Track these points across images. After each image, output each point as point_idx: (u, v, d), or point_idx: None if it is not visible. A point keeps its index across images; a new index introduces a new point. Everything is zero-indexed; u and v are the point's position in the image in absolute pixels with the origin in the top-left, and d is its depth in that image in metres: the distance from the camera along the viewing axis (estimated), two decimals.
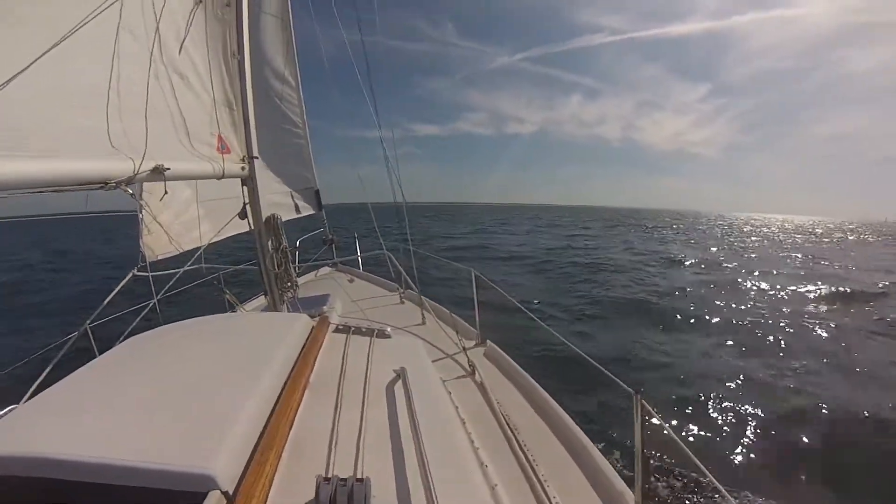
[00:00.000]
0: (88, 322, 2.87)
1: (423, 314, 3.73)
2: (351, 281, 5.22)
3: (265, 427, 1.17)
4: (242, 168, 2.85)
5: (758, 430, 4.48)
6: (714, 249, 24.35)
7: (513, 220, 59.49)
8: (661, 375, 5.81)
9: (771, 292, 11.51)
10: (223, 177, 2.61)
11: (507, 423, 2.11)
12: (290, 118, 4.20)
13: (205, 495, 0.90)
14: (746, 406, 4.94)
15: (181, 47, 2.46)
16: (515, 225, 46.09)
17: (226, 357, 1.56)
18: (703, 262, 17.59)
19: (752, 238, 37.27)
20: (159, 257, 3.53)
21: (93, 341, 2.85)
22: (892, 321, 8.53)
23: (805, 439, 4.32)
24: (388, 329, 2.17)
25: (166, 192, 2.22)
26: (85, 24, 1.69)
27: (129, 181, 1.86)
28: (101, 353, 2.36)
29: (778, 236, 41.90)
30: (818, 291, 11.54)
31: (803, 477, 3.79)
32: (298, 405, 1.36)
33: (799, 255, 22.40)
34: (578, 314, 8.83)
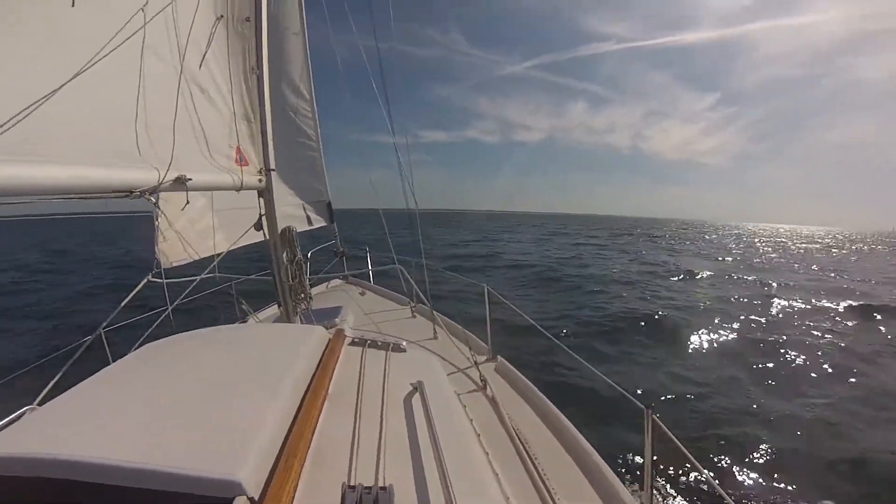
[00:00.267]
0: (102, 326, 2.90)
1: (434, 329, 3.75)
2: (362, 294, 5.24)
3: (287, 435, 1.19)
4: (260, 180, 2.89)
5: (783, 461, 4.22)
6: (729, 260, 24.14)
7: (518, 227, 59.36)
8: (678, 396, 5.55)
9: (794, 309, 11.19)
10: (242, 188, 2.66)
11: (519, 438, 2.12)
12: (305, 131, 4.27)
13: (230, 501, 0.91)
14: (771, 433, 4.65)
15: (202, 62, 2.52)
16: (521, 233, 46.10)
17: (244, 366, 1.57)
18: (716, 274, 17.33)
19: (764, 248, 36.91)
20: (174, 264, 3.57)
21: (107, 346, 2.88)
22: None
23: (835, 476, 4.05)
24: (404, 343, 2.19)
25: (188, 203, 2.27)
26: (117, 46, 1.77)
27: (154, 190, 1.92)
28: (113, 357, 2.37)
29: (790, 247, 41.42)
30: (842, 306, 11.24)
31: None
32: (319, 415, 1.37)
33: (815, 267, 22.11)
34: (590, 329, 8.57)
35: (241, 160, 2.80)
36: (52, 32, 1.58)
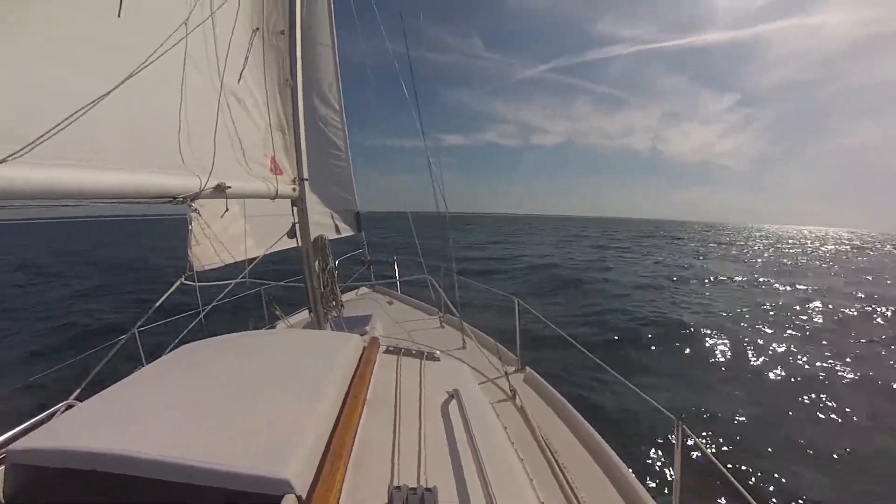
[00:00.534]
0: (136, 326, 2.94)
1: (463, 339, 3.75)
2: (390, 303, 5.29)
3: (330, 438, 1.21)
4: (293, 189, 2.96)
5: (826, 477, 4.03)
6: (758, 262, 23.29)
7: (540, 230, 58.39)
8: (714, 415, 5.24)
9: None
10: (276, 196, 2.72)
11: (548, 447, 2.13)
12: (334, 142, 4.34)
13: (279, 499, 0.93)
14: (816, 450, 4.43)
15: (241, 75, 2.60)
16: (539, 234, 45.42)
17: (284, 370, 1.60)
18: (747, 279, 16.78)
19: (793, 250, 35.42)
20: (206, 267, 3.67)
21: (140, 346, 2.96)
22: None
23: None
24: (438, 352, 2.20)
25: (227, 210, 2.34)
26: (159, 56, 1.82)
27: (196, 197, 1.99)
28: (146, 356, 2.41)
29: (818, 248, 39.61)
30: (883, 313, 10.75)
31: None
32: (359, 419, 1.39)
33: (852, 268, 21.16)
34: (620, 337, 8.26)
35: (276, 169, 2.87)
36: (98, 42, 1.64)
